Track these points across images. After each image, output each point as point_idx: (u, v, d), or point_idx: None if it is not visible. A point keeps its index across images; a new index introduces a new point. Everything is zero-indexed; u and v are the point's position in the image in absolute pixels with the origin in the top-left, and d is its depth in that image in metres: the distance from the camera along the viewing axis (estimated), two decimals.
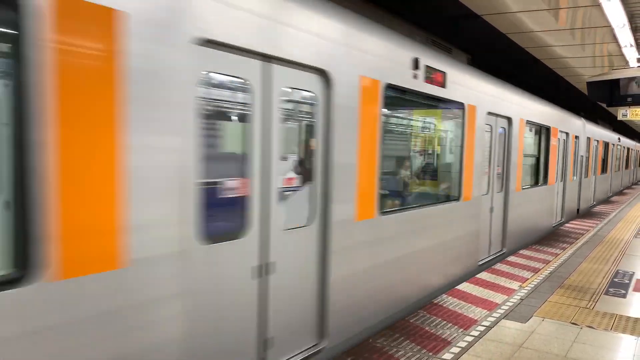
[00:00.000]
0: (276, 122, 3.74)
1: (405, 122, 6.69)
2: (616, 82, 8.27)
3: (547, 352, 4.70)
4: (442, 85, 6.07)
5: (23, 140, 2.28)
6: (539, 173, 10.83)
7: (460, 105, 6.66)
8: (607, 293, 6.71)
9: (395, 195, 6.03)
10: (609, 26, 7.66)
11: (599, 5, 6.72)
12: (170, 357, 2.98)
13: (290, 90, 4.00)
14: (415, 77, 5.48)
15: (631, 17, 7.29)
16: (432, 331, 5.12)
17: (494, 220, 8.32)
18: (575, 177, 14.11)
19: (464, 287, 6.75)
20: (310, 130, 4.25)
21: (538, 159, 10.74)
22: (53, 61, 2.32)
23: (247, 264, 3.59)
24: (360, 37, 4.64)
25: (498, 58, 10.04)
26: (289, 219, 4.01)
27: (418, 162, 7.10)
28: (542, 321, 5.53)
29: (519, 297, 6.37)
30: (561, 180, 12.66)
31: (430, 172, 7.13)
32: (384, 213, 5.08)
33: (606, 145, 19.18)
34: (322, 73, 4.14)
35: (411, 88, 5.47)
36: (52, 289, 2.35)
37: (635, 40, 8.37)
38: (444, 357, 4.52)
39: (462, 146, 6.80)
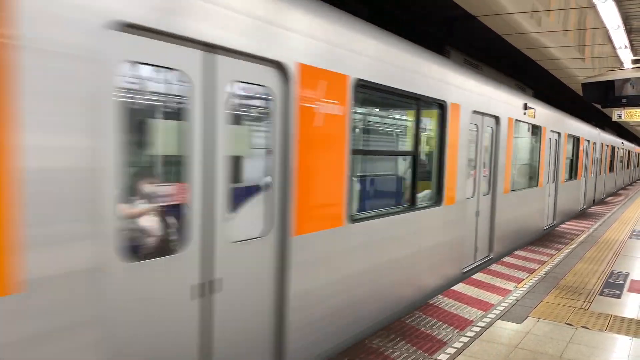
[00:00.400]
0: (485, 143, 8.02)
1: (520, 139, 10.30)
2: (611, 83, 8.28)
3: (542, 353, 4.71)
4: (534, 116, 10.10)
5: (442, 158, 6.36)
6: (572, 171, 14.71)
7: (540, 128, 10.83)
8: (601, 294, 6.73)
9: (513, 181, 9.59)
10: (603, 28, 7.69)
11: (593, 7, 6.74)
12: (463, 242, 7.27)
13: (488, 127, 8.03)
14: (524, 114, 9.52)
15: (626, 19, 7.31)
16: (427, 332, 5.13)
17: (550, 201, 12.48)
18: (592, 175, 18.23)
19: (460, 287, 6.77)
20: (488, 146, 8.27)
21: (572, 161, 14.58)
22: (449, 128, 6.38)
23: (473, 210, 7.68)
24: (509, 96, 8.80)
25: (493, 59, 10.09)
26: (483, 190, 8.04)
27: (522, 161, 10.63)
28: (537, 322, 5.54)
29: (514, 298, 6.39)
30: (584, 176, 16.56)
31: (526, 167, 10.83)
32: (512, 191, 9.23)
33: (613, 148, 23.33)
34: (496, 117, 8.17)
35: (523, 120, 9.59)
36: (443, 209, 6.34)
37: (630, 41, 8.40)
38: (439, 357, 4.52)
39: (539, 153, 10.99)
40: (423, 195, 6.23)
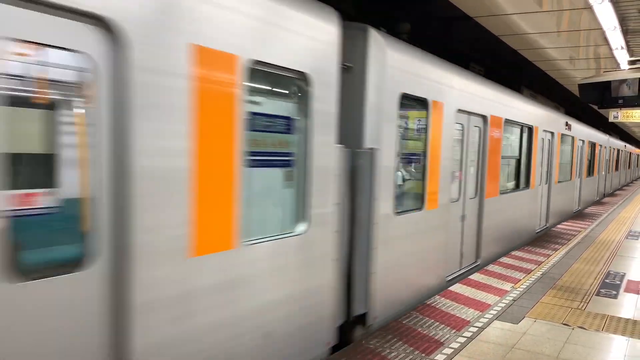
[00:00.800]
0: (545, 150, 11.74)
1: (564, 148, 13.91)
2: (607, 84, 8.30)
3: (539, 353, 4.72)
4: (570, 129, 13.85)
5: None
6: (590, 169, 18.62)
7: (573, 138, 14.62)
8: (598, 294, 6.75)
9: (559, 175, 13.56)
10: (600, 29, 7.71)
11: (590, 8, 6.76)
12: (535, 214, 11.49)
13: (547, 139, 11.83)
14: (565, 129, 13.26)
15: (622, 20, 7.33)
16: (424, 332, 5.13)
17: (576, 191, 16.28)
18: (603, 173, 22.20)
19: (456, 288, 6.77)
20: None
21: (590, 162, 18.35)
22: (534, 142, 10.61)
23: (540, 193, 11.51)
24: (558, 117, 12.46)
25: (490, 59, 10.10)
26: (542, 181, 11.65)
27: (562, 162, 13.83)
28: (534, 322, 5.55)
29: (511, 298, 6.40)
30: (598, 174, 20.61)
31: (564, 167, 14.17)
32: (558, 182, 13.11)
33: (618, 151, 27.57)
34: (552, 133, 11.86)
35: (565, 134, 13.30)
36: (530, 191, 10.72)
37: (626, 42, 8.42)
38: (436, 358, 4.53)
39: (572, 156, 14.83)
40: (520, 181, 10.36)
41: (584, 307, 6.15)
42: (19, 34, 2.30)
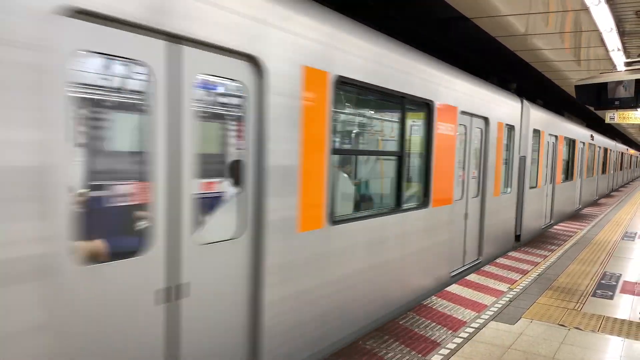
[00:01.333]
0: (581, 155, 17.55)
1: (589, 154, 18.69)
2: (604, 85, 8.30)
3: (535, 354, 4.72)
4: (593, 140, 18.99)
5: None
6: (604, 168, 23.62)
7: (594, 146, 19.62)
8: (594, 295, 6.76)
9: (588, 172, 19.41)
10: (596, 30, 7.73)
11: (587, 9, 6.77)
12: (574, 197, 17.19)
13: (582, 148, 17.49)
14: (590, 139, 18.30)
15: (618, 22, 7.35)
16: (421, 333, 5.13)
17: (596, 183, 21.27)
18: (612, 172, 27.47)
19: (453, 288, 6.77)
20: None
21: (604, 163, 23.35)
22: (575, 151, 16.36)
23: (576, 185, 17.52)
24: (586, 131, 17.82)
25: (486, 60, 10.12)
26: (578, 176, 17.25)
27: (589, 163, 18.93)
28: (531, 323, 5.56)
29: (507, 299, 6.40)
30: (609, 172, 26.06)
31: (589, 167, 19.09)
32: (588, 177, 19.40)
33: (622, 154, 33.04)
34: (583, 143, 17.32)
35: (589, 143, 18.27)
36: (578, 180, 17.45)
37: (623, 44, 8.44)
38: (432, 358, 4.52)
39: (593, 158, 19.65)
40: (568, 175, 15.19)
41: (580, 308, 6.16)
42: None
